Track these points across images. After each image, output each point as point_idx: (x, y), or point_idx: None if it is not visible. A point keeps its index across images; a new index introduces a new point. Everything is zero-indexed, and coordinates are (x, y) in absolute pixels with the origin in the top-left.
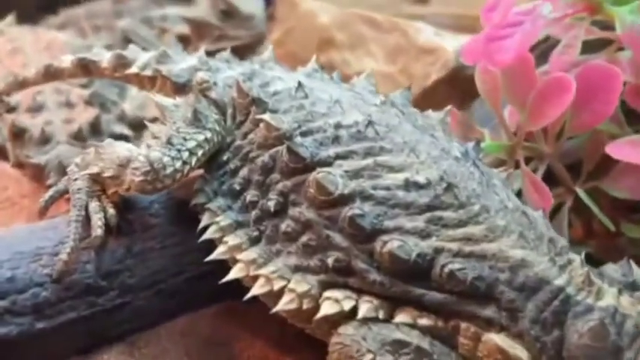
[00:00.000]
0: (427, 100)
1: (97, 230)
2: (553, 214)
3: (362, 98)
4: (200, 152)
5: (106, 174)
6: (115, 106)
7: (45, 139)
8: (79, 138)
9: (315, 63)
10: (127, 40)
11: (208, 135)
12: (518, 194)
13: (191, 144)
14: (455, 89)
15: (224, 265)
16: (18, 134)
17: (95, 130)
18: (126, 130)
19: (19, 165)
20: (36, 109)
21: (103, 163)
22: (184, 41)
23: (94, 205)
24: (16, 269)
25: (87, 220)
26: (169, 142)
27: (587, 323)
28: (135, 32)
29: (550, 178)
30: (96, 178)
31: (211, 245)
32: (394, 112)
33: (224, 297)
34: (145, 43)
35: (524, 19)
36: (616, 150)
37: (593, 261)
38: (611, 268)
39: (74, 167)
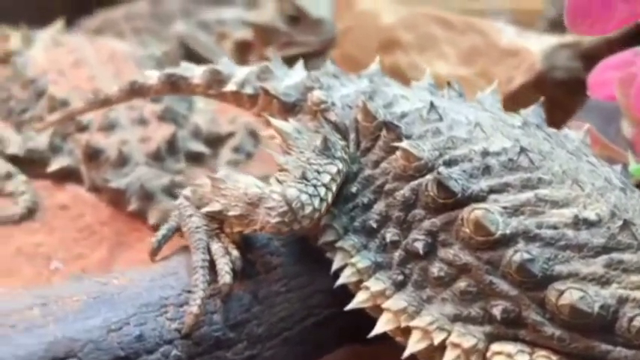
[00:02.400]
0: (510, 105)
1: (226, 277)
2: None
3: (500, 119)
4: (334, 187)
5: (232, 212)
6: (186, 121)
7: (122, 161)
8: (157, 158)
9: (430, 77)
10: (184, 46)
11: (340, 166)
12: None
13: (326, 178)
14: (541, 94)
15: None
16: (93, 155)
17: (172, 148)
18: (202, 148)
19: (95, 189)
20: (109, 127)
21: (225, 200)
22: (245, 47)
23: (216, 246)
24: (143, 325)
25: (212, 265)
26: (304, 177)
27: None
28: (193, 38)
29: None
30: (215, 216)
31: (341, 286)
32: (541, 135)
33: (349, 339)
34: (203, 50)
35: None
36: None
37: None
38: None
39: (184, 201)
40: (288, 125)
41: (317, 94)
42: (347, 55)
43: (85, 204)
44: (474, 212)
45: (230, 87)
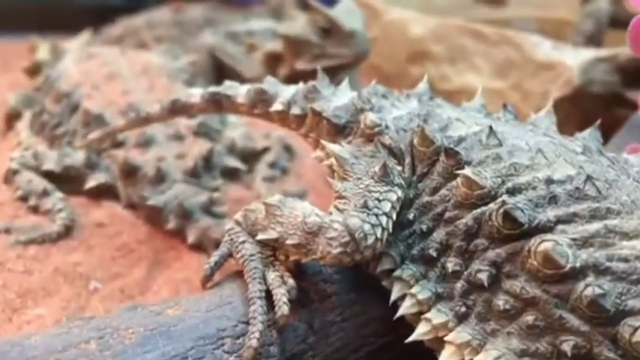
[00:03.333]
0: None
1: (284, 308)
2: None
3: (561, 144)
4: (394, 215)
5: (290, 241)
6: (220, 136)
7: (160, 178)
8: (194, 174)
9: (481, 98)
10: (212, 57)
11: (399, 193)
12: None
13: (387, 206)
14: (577, 109)
15: (405, 331)
16: (130, 172)
17: (208, 164)
18: (238, 163)
19: (132, 206)
20: (145, 143)
21: (282, 228)
22: (276, 59)
23: (273, 276)
24: (201, 359)
25: (268, 294)
26: (366, 206)
27: None
28: (222, 49)
29: None
30: (269, 243)
31: (395, 311)
32: (605, 161)
33: None
34: (232, 61)
35: None
36: None
37: None
38: None
39: (236, 226)
40: (345, 150)
41: (371, 117)
42: (374, 66)
43: (122, 221)
44: (542, 244)
45: (276, 107)
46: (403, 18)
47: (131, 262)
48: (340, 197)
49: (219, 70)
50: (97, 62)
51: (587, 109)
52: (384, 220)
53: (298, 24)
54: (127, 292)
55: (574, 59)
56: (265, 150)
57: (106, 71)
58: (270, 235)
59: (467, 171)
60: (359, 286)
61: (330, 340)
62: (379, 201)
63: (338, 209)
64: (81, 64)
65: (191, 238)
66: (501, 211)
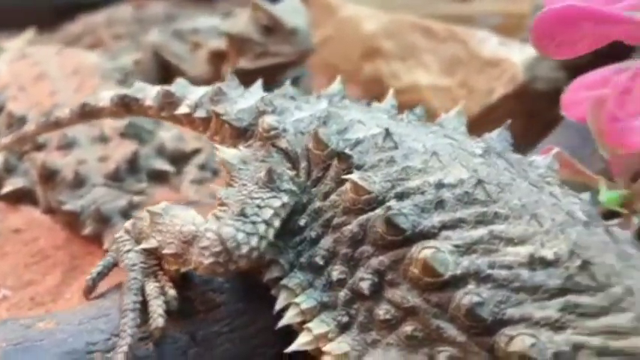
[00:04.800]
0: (489, 117)
1: (158, 320)
2: None
3: (460, 146)
4: (277, 222)
5: (167, 250)
6: (152, 137)
7: (79, 182)
8: (116, 178)
9: (393, 98)
10: (156, 56)
11: (285, 199)
12: None
13: (267, 213)
14: (522, 106)
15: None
16: (48, 176)
17: (133, 167)
18: (166, 166)
19: (51, 211)
20: (67, 145)
21: (161, 237)
22: (221, 57)
23: (151, 287)
24: None
25: (144, 306)
26: (242, 213)
27: None
28: (165, 47)
29: None
30: (152, 252)
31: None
32: (502, 164)
33: None
34: (176, 59)
35: None
36: None
37: None
38: None
39: (124, 234)
40: (234, 155)
41: (267, 120)
42: (329, 64)
43: (40, 227)
44: (423, 251)
45: (182, 109)
46: (357, 14)
47: (45, 269)
48: (222, 204)
49: (165, 69)
50: (28, 62)
51: (531, 106)
52: (262, 227)
53: (241, 22)
54: (38, 299)
55: (519, 56)
56: (196, 151)
57: (35, 72)
58: (151, 244)
59: (354, 176)
60: (250, 296)
61: (216, 352)
62: (259, 208)
63: (216, 217)
64: (12, 65)
65: (108, 243)
66: (384, 217)
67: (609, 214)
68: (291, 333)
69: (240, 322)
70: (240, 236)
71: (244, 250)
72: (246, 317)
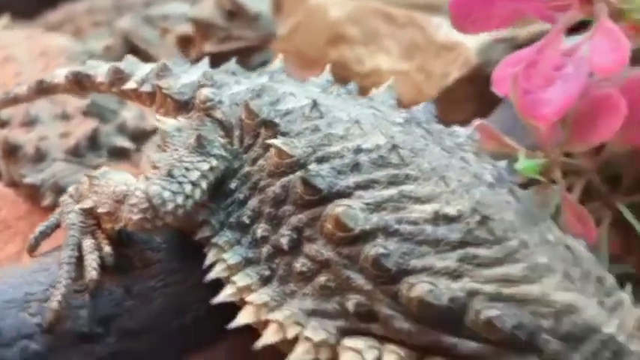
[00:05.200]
0: (446, 100)
1: (92, 272)
2: None
3: (384, 116)
4: (205, 183)
5: (101, 209)
6: (115, 116)
7: (40, 157)
8: (76, 154)
9: (329, 73)
10: (127, 42)
11: (214, 163)
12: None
13: (194, 175)
14: (476, 88)
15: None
16: (11, 151)
17: (94, 144)
18: (127, 143)
19: (13, 184)
20: (30, 122)
21: (97, 197)
22: (188, 42)
23: (88, 243)
24: (2, 320)
25: (81, 261)
26: (170, 174)
27: None
28: (135, 33)
29: (586, 192)
30: (90, 212)
31: (219, 281)
32: (419, 132)
33: (234, 335)
34: (146, 45)
35: (565, 62)
36: None
37: (633, 279)
38: None
39: (67, 198)
40: (170, 124)
41: (204, 92)
42: (298, 50)
43: (3, 199)
44: (335, 209)
45: (130, 85)
46: (324, 2)
47: (7, 238)
48: (154, 167)
49: (135, 54)
50: None
51: (485, 89)
52: (187, 187)
53: (206, 7)
54: None
55: (473, 40)
56: (156, 130)
57: (3, 54)
58: (87, 203)
59: (278, 141)
60: (186, 255)
61: (150, 306)
62: (187, 170)
63: (146, 177)
64: None
65: None
66: (302, 178)
67: (533, 183)
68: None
69: (175, 278)
70: (166, 194)
71: (169, 207)
72: (181, 274)
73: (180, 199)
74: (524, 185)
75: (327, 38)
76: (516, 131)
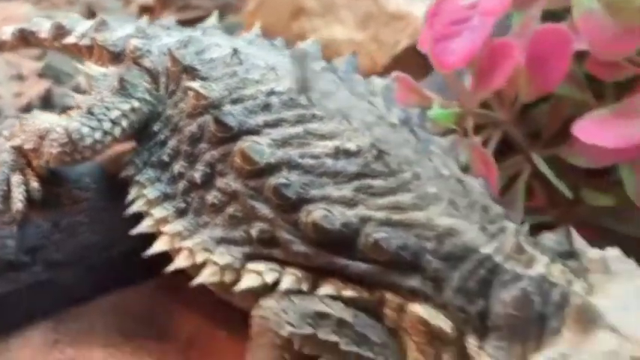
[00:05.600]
0: (396, 68)
1: (18, 204)
2: (511, 183)
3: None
4: (125, 122)
5: (27, 146)
6: (70, 79)
7: None
8: (28, 112)
9: (259, 29)
10: (89, 10)
11: (135, 104)
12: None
13: (114, 114)
14: (424, 56)
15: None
16: None
17: (47, 103)
18: None
19: None
20: None
21: (24, 135)
22: (149, 11)
23: (16, 178)
24: None
25: (9, 195)
26: (90, 112)
27: (510, 292)
28: (98, 3)
29: (510, 147)
30: (20, 151)
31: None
32: (332, 78)
33: (160, 271)
34: (108, 14)
35: (470, 14)
36: (582, 131)
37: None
38: (547, 237)
39: (1, 139)
40: (96, 69)
41: (133, 42)
42: (265, 24)
43: None
44: (243, 144)
45: (70, 39)
46: None
47: None
48: (77, 107)
49: None
50: None
51: None
52: (107, 125)
53: None
54: None
55: (421, 10)
56: None
57: None
58: (16, 141)
59: (196, 84)
60: (114, 195)
61: (78, 239)
62: (108, 109)
63: (68, 116)
64: None
65: None
66: (214, 117)
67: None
68: None
69: (102, 215)
70: (85, 130)
71: (88, 142)
72: (108, 212)
73: (98, 135)
74: (444, 134)
75: (290, 12)
76: (449, 91)
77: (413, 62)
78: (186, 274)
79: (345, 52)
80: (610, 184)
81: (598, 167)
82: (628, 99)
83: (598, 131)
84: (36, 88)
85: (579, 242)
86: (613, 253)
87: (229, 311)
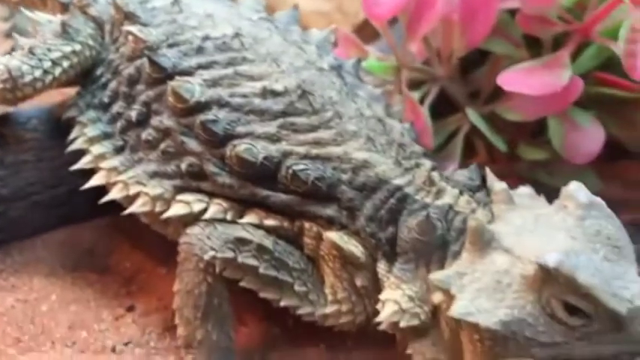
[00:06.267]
0: (359, 37)
1: None
2: (451, 139)
3: (239, 13)
4: (66, 64)
5: None
6: None
7: None
8: None
9: None
10: None
11: (77, 47)
12: None
13: (55, 54)
14: None
15: None
16: None
17: None
18: None
19: None
20: None
21: None
22: None
23: None
24: None
25: None
26: (31, 52)
27: (415, 218)
28: None
29: (452, 105)
30: None
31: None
32: (267, 26)
33: (108, 210)
34: None
35: None
36: (507, 80)
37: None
38: (460, 173)
39: None
40: (42, 16)
41: None
42: None
43: None
44: (174, 83)
45: None
46: None
47: None
48: (21, 49)
49: None
50: None
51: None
52: (47, 64)
53: None
54: None
55: None
56: None
57: None
58: None
59: (134, 28)
60: (61, 136)
61: (23, 175)
62: (49, 50)
63: (10, 55)
64: None
65: None
66: (148, 58)
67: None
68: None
69: (48, 154)
70: (25, 68)
71: (27, 79)
72: (54, 152)
73: (38, 73)
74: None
75: None
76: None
77: (373, 31)
78: (131, 215)
79: (312, 22)
80: (544, 139)
81: (529, 120)
82: (555, 53)
83: (522, 80)
84: (2, 47)
85: (491, 178)
86: (525, 189)
87: (170, 250)
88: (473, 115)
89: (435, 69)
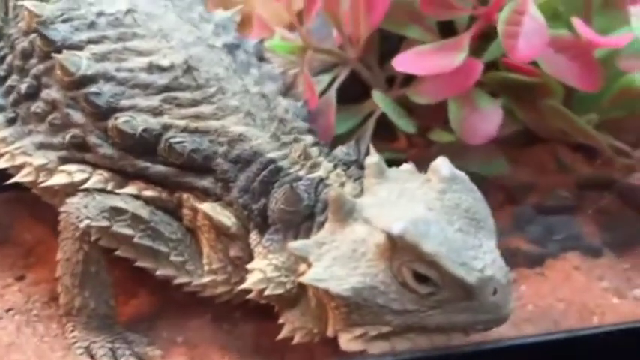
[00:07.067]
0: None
1: None
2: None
3: None
4: None
5: None
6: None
7: None
8: None
9: None
10: None
11: None
12: None
13: None
14: None
15: None
16: None
17: None
18: None
19: None
20: None
21: None
22: None
23: None
24: None
25: None
26: None
27: (282, 190)
28: None
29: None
30: None
31: None
32: (164, 3)
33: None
34: None
35: None
36: (400, 61)
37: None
38: (339, 149)
39: None
40: None
41: None
42: None
43: None
44: (61, 56)
45: None
46: None
47: None
48: None
49: None
50: None
51: None
52: None
53: None
54: None
55: None
56: None
57: None
58: None
59: (29, 3)
60: None
61: None
62: None
63: None
64: None
65: None
66: (40, 32)
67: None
68: None
69: None
70: None
71: None
72: None
73: None
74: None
75: None
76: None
77: None
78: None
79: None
80: None
81: (432, 103)
82: (454, 37)
83: (415, 62)
84: None
85: (372, 153)
86: (407, 166)
87: None
88: (380, 98)
89: (346, 52)
